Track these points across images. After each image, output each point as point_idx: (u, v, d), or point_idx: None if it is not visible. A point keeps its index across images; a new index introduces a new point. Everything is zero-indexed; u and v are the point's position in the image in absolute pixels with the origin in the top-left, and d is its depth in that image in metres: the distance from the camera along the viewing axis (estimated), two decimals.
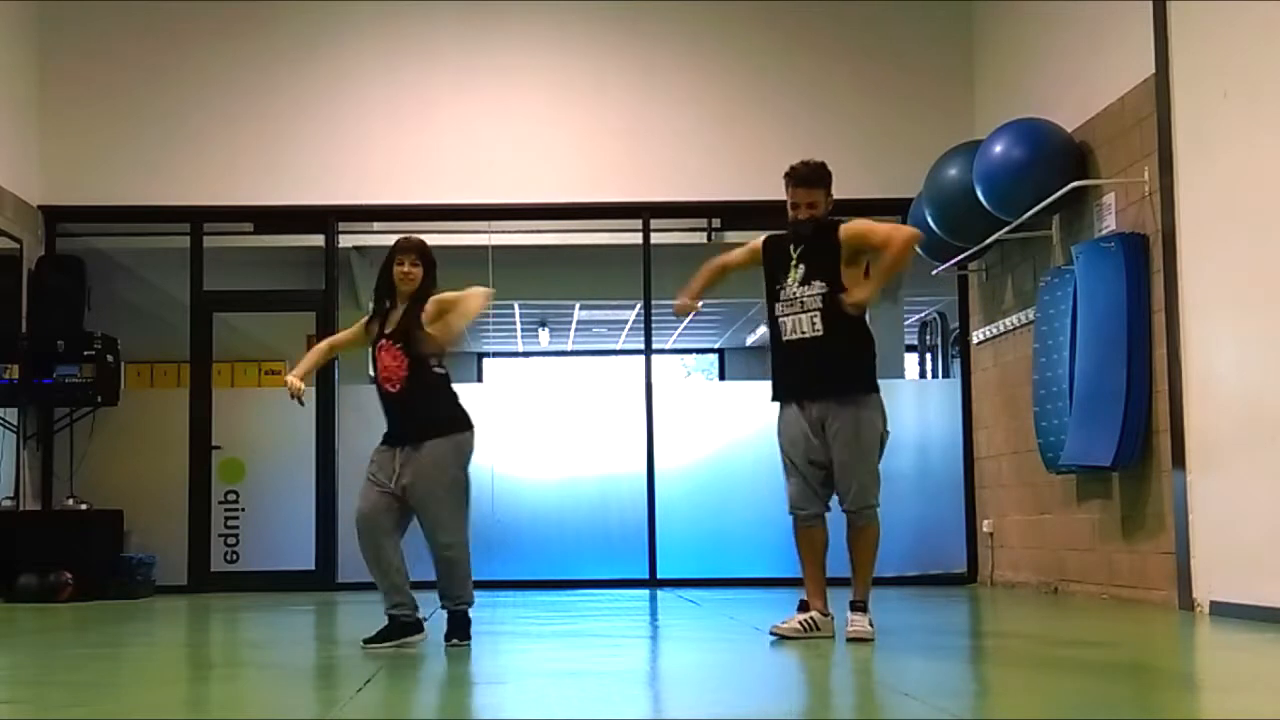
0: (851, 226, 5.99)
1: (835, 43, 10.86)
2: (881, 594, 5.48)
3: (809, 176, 6.02)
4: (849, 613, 5.82)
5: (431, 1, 10.83)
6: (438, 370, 5.88)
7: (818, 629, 5.84)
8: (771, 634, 5.86)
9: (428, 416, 5.79)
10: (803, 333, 5.92)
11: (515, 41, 10.82)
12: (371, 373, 5.97)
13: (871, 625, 5.76)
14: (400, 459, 5.74)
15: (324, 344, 6.35)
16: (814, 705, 4.40)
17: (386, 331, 5.84)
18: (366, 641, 5.70)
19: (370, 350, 5.96)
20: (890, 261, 5.84)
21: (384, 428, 5.87)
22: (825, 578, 5.99)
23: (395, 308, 5.89)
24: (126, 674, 5.45)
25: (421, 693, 4.70)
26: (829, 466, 5.92)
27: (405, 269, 5.88)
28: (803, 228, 5.97)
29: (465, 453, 5.87)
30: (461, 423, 5.89)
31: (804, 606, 5.95)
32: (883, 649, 5.35)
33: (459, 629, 5.83)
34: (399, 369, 5.78)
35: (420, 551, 5.89)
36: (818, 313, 5.89)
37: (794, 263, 5.97)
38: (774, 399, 6.11)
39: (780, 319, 5.99)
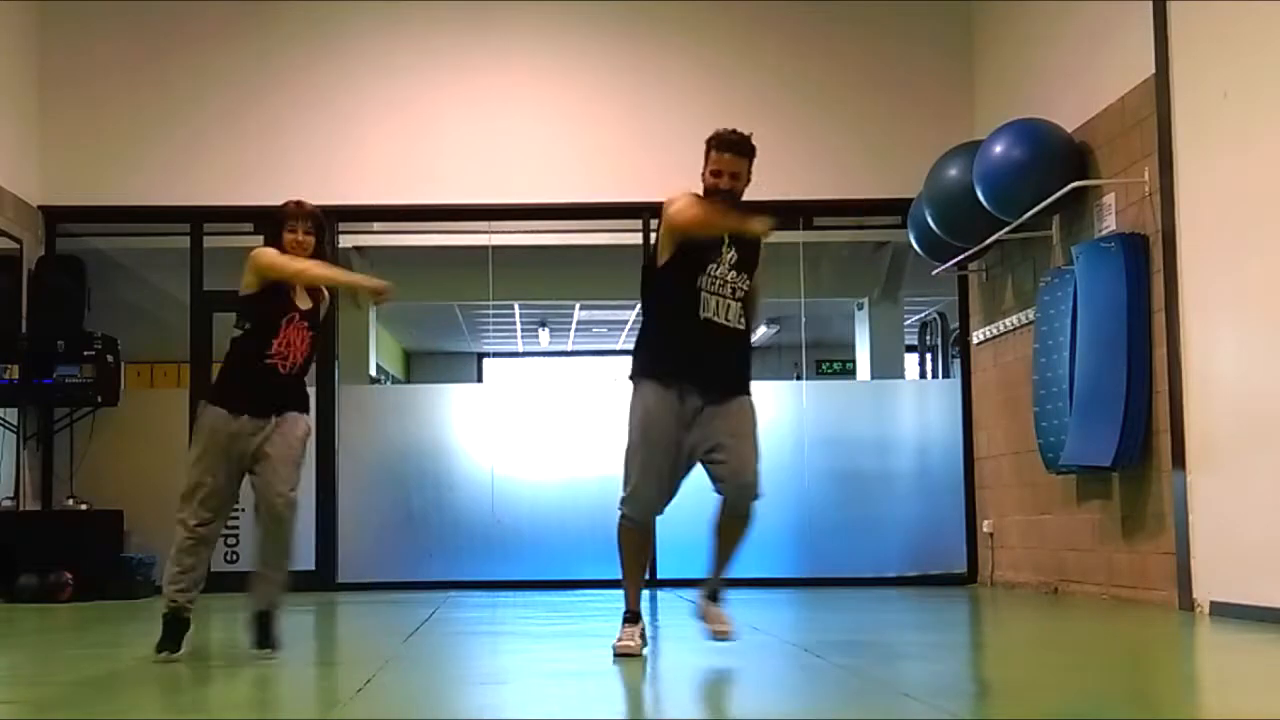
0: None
1: (835, 43, 10.86)
2: (882, 594, 5.48)
3: (741, 144, 5.45)
4: (711, 604, 5.48)
5: (431, 1, 10.83)
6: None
7: (644, 641, 5.44)
8: (619, 655, 5.31)
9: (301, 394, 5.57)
10: (726, 320, 5.38)
11: (515, 42, 10.82)
12: (251, 342, 5.49)
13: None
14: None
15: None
16: (814, 705, 4.40)
17: (300, 307, 5.48)
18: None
19: (274, 301, 5.49)
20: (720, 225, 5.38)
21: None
22: None
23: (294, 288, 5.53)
24: (126, 674, 5.45)
25: (421, 693, 4.70)
26: (687, 458, 5.38)
27: (299, 237, 5.53)
28: (729, 200, 5.42)
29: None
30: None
31: (636, 617, 5.48)
32: (883, 649, 5.35)
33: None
34: (302, 349, 5.46)
35: None
36: (741, 305, 5.42)
37: (726, 245, 5.42)
38: (647, 375, 5.43)
39: (703, 293, 5.35)
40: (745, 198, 5.55)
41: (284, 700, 4.61)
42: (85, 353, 9.93)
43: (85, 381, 9.92)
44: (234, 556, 10.48)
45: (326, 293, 5.69)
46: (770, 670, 5.27)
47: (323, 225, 5.63)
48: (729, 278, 5.39)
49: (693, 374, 5.35)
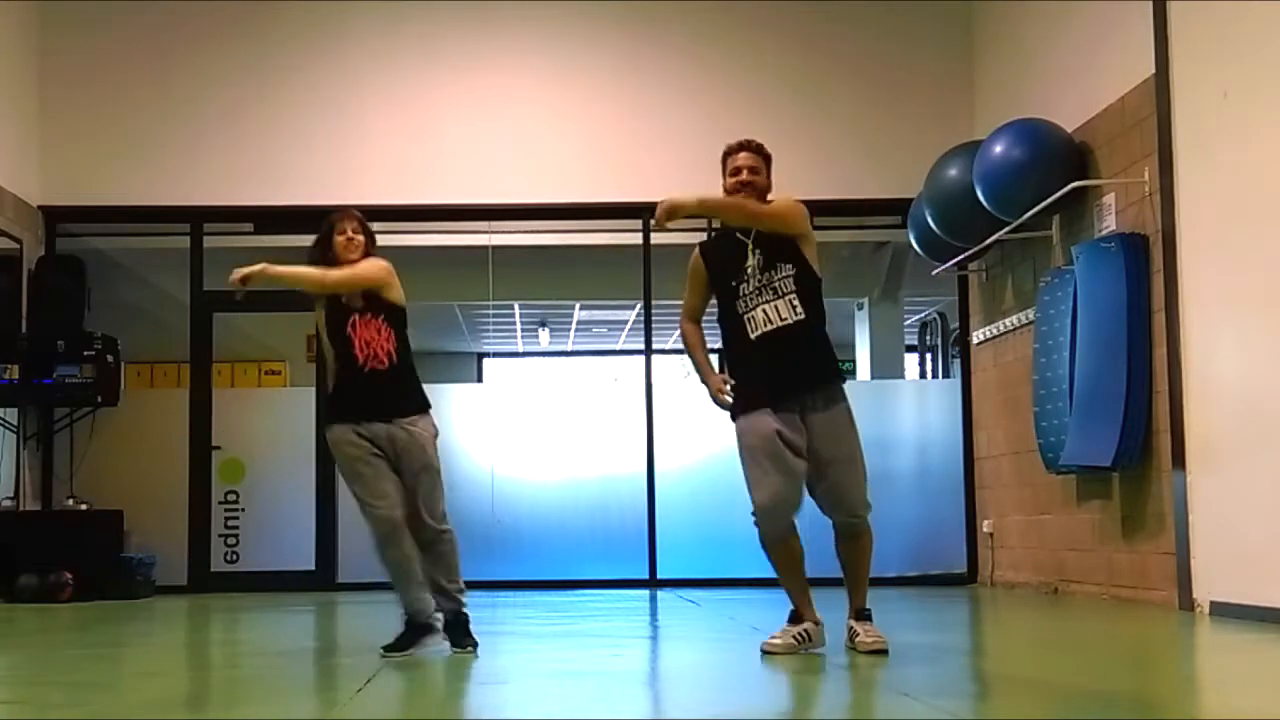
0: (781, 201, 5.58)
1: (835, 43, 10.86)
2: (882, 594, 5.47)
3: (752, 143, 5.52)
4: (855, 624, 5.46)
5: (432, 1, 10.83)
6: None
7: (811, 641, 5.47)
8: (764, 651, 5.42)
9: (414, 391, 5.56)
10: (781, 320, 5.33)
11: (515, 42, 10.82)
12: (331, 353, 5.54)
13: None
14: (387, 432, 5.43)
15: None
16: (814, 705, 4.40)
17: (355, 306, 5.50)
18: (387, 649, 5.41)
19: (330, 330, 5.54)
20: (749, 215, 5.42)
21: None
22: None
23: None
24: (126, 674, 5.45)
25: (422, 693, 4.70)
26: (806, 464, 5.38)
27: (348, 236, 5.57)
28: (750, 193, 5.43)
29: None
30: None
31: (795, 617, 5.54)
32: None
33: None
34: (385, 342, 5.49)
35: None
36: (795, 295, 5.35)
37: (751, 248, 5.40)
38: (740, 410, 5.42)
39: (747, 315, 5.35)
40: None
41: (283, 700, 4.61)
42: (85, 353, 9.93)
43: (85, 381, 9.93)
44: (234, 557, 10.50)
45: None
46: (770, 670, 5.27)
47: (369, 227, 5.73)
48: (764, 280, 5.37)
49: (774, 391, 5.34)
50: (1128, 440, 7.59)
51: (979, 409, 10.46)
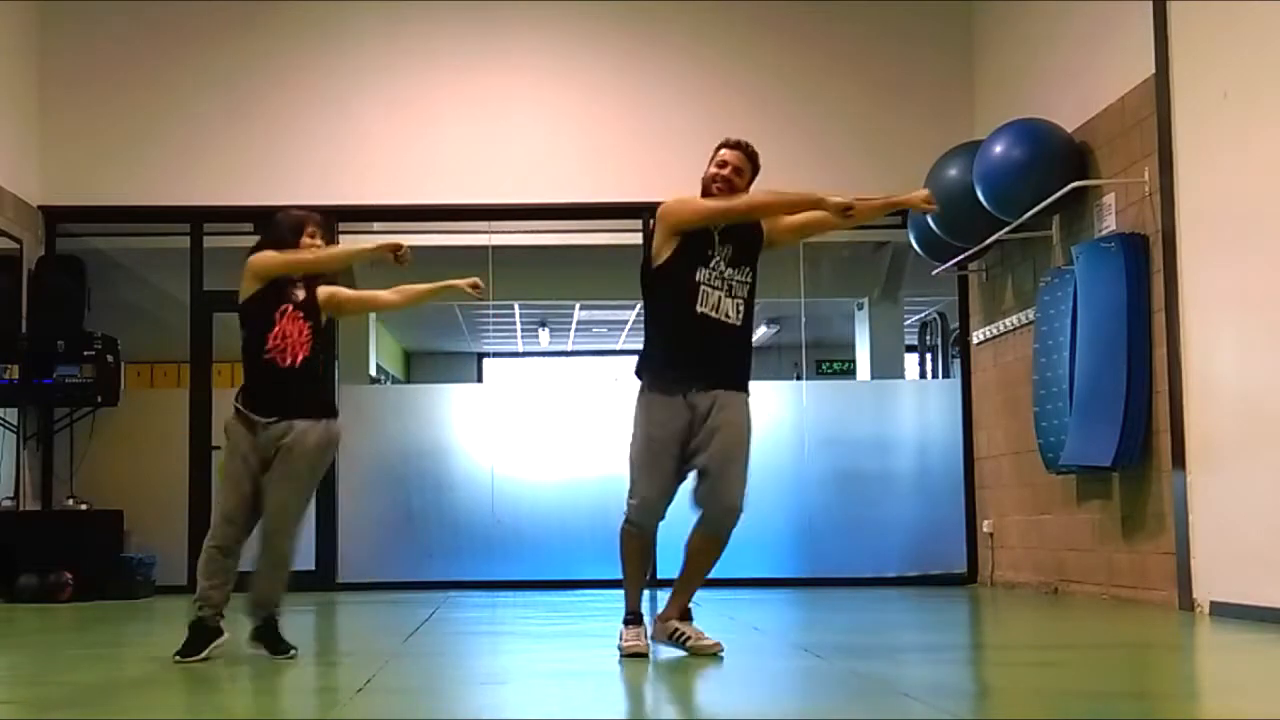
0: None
1: (835, 42, 10.86)
2: (882, 594, 5.48)
3: (745, 145, 5.56)
4: (682, 625, 5.38)
5: (432, 1, 10.83)
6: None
7: (649, 640, 5.38)
8: (628, 655, 5.26)
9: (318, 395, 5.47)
10: (726, 316, 5.37)
11: (515, 42, 10.82)
12: (250, 342, 5.40)
13: None
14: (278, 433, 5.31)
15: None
16: (814, 705, 4.40)
17: (295, 299, 5.43)
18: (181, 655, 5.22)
19: (270, 297, 5.42)
20: (817, 219, 5.51)
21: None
22: None
23: (294, 282, 5.51)
24: (126, 675, 5.45)
25: (421, 693, 4.70)
26: (688, 463, 5.36)
27: (317, 241, 5.58)
28: (720, 191, 5.46)
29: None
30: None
31: (639, 619, 5.42)
32: (883, 649, 5.35)
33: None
34: (301, 345, 5.38)
35: None
36: (743, 302, 5.41)
37: (717, 240, 5.44)
38: (654, 389, 5.40)
39: (702, 286, 5.36)
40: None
41: (284, 700, 4.61)
42: (85, 353, 9.93)
43: (85, 381, 9.92)
44: None
45: (326, 288, 5.59)
46: (770, 670, 5.27)
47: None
48: (726, 274, 5.40)
49: (694, 374, 5.34)
50: (1128, 440, 7.59)
51: (979, 409, 10.46)
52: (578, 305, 17.14)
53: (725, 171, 5.48)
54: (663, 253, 5.48)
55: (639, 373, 5.52)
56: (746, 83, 10.76)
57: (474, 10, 10.81)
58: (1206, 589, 7.05)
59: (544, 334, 19.20)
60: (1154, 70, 7.55)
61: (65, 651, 6.18)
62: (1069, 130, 8.57)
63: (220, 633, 5.34)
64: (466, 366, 20.83)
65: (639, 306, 11.92)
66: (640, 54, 10.85)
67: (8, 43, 10.11)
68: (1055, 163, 8.40)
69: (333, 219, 10.67)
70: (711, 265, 5.39)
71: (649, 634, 5.39)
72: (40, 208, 10.41)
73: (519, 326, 18.65)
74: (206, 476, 10.47)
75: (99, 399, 10.01)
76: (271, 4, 10.76)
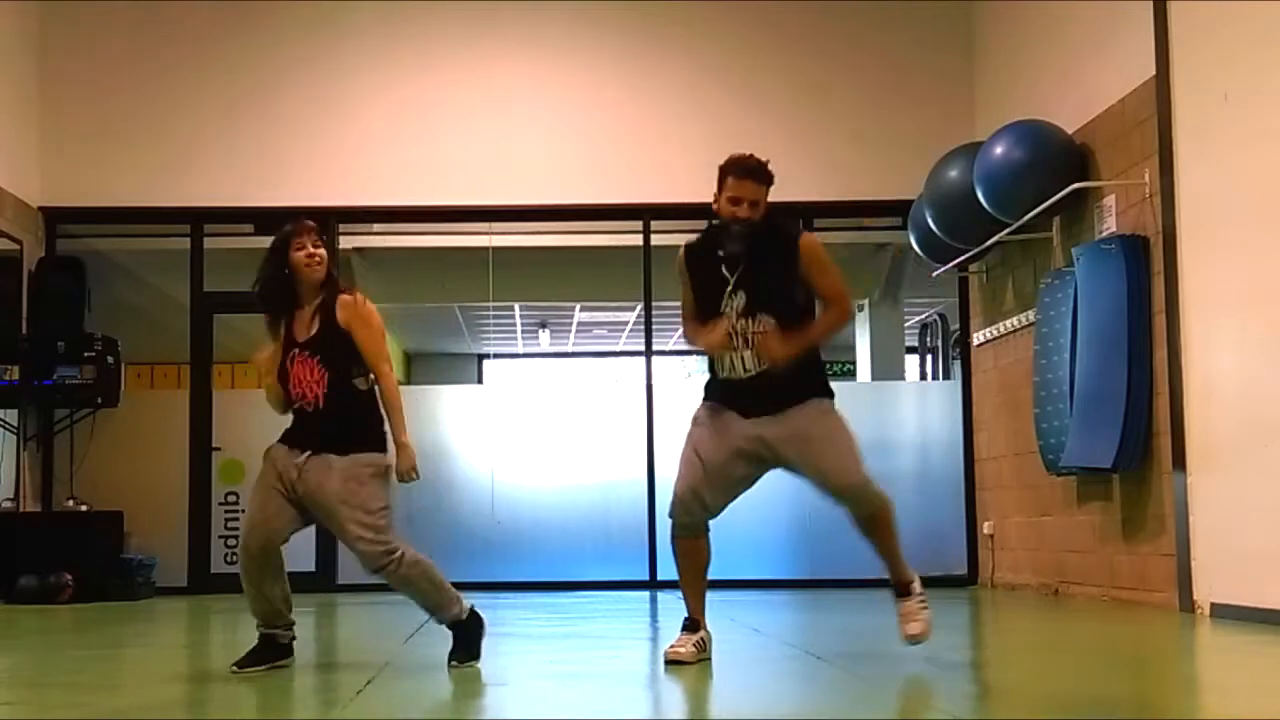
0: (813, 246, 5.12)
1: (836, 44, 10.86)
2: (882, 595, 5.46)
3: (760, 171, 5.07)
4: (902, 600, 5.23)
5: (432, 2, 10.83)
6: (360, 385, 5.07)
7: (707, 650, 5.21)
8: (670, 661, 5.08)
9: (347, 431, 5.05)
10: (746, 371, 5.06)
11: (516, 43, 10.82)
12: (278, 388, 5.07)
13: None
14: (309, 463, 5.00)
15: (268, 385, 5.11)
16: (814, 706, 4.40)
17: (299, 340, 5.01)
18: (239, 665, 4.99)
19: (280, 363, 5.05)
20: (829, 327, 5.11)
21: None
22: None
23: (300, 305, 5.07)
24: (127, 675, 5.45)
25: (422, 694, 4.70)
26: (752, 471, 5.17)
27: (309, 251, 5.02)
28: (738, 235, 5.03)
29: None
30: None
31: (694, 625, 5.22)
32: (882, 651, 5.34)
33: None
34: (316, 384, 5.00)
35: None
36: (755, 344, 5.04)
37: (730, 289, 5.07)
38: (713, 400, 5.20)
39: (725, 353, 5.07)
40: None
41: (284, 701, 4.61)
42: (85, 354, 9.93)
43: (85, 383, 9.93)
44: (234, 558, 10.46)
45: (335, 307, 5.05)
46: (771, 671, 5.27)
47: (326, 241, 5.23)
48: (738, 326, 5.05)
49: (742, 409, 5.10)
50: (1128, 442, 7.58)
51: (979, 410, 10.46)
52: (578, 307, 17.14)
53: (741, 210, 5.04)
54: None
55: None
56: (747, 84, 10.76)
57: (474, 11, 10.82)
58: (1207, 590, 7.05)
59: (544, 335, 19.19)
60: (1154, 72, 7.55)
61: (65, 653, 6.18)
62: (1069, 132, 8.57)
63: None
64: (467, 368, 20.81)
65: (639, 308, 11.96)
66: (641, 54, 10.85)
67: (8, 43, 10.11)
68: (1056, 164, 8.39)
69: (333, 220, 10.73)
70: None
71: (705, 643, 5.19)
72: (40, 208, 10.42)
73: (519, 328, 18.64)
74: (207, 478, 10.47)
75: (99, 400, 10.01)
76: (271, 4, 10.76)
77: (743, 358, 5.06)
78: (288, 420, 5.14)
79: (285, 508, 5.05)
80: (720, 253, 5.10)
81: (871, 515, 5.18)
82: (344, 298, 5.09)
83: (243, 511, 10.36)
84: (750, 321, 5.03)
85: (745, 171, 5.06)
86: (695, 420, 5.22)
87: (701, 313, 5.16)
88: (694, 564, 5.28)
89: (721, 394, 5.17)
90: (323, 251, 5.10)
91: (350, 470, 4.97)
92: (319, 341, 5.01)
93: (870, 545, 5.28)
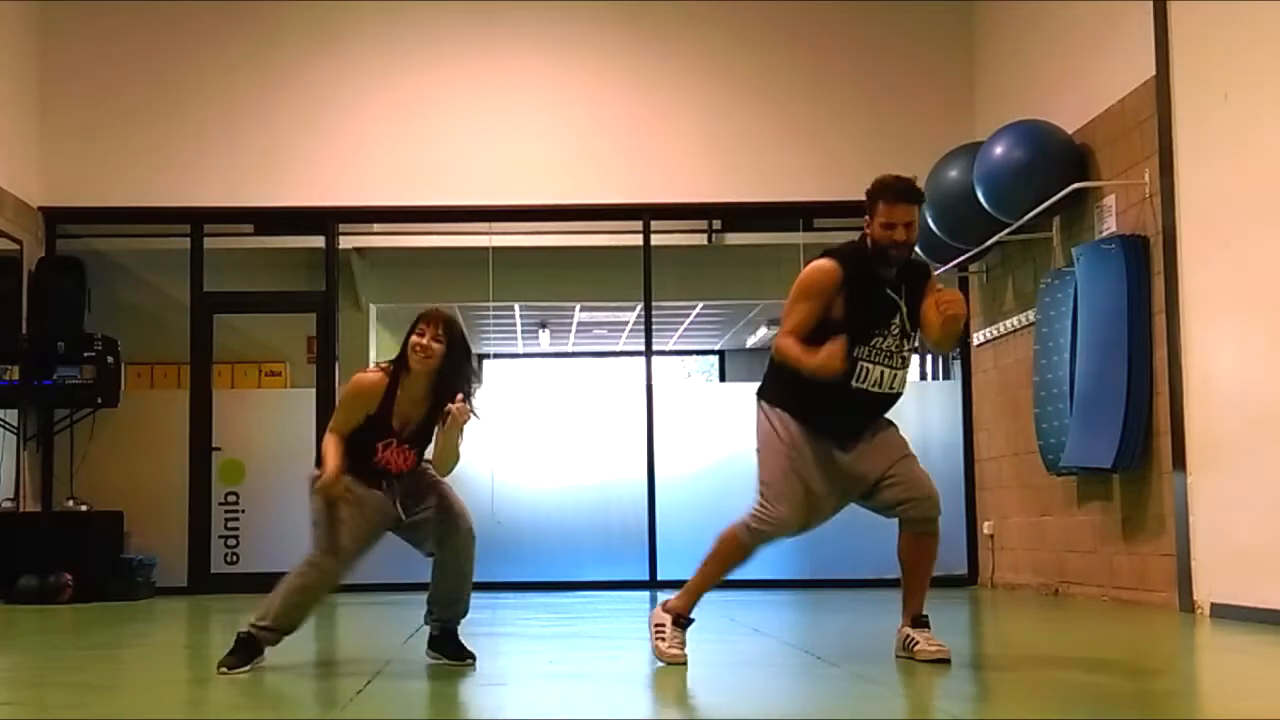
0: (936, 283, 5.18)
1: (836, 43, 10.86)
2: (882, 595, 5.46)
3: (912, 192, 4.97)
4: (914, 631, 5.16)
5: (432, 2, 10.83)
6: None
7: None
8: (669, 662, 5.09)
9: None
10: (892, 390, 5.04)
11: (516, 43, 10.82)
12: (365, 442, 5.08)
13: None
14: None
15: (335, 438, 5.10)
16: (814, 706, 4.39)
17: (396, 427, 5.04)
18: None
19: (370, 430, 5.07)
20: (954, 336, 5.11)
21: None
22: None
23: (405, 384, 5.05)
24: (127, 675, 5.45)
25: (422, 694, 4.70)
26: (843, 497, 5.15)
27: (425, 341, 4.98)
28: (899, 256, 4.97)
29: None
30: None
31: (689, 622, 5.24)
32: (882, 651, 5.34)
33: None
34: (404, 465, 5.15)
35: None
36: (904, 366, 5.06)
37: (903, 310, 5.01)
38: (789, 410, 5.08)
39: (862, 363, 4.95)
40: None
41: (284, 702, 4.61)
42: (85, 354, 9.93)
43: (85, 382, 9.93)
44: (234, 558, 10.49)
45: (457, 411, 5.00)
46: (771, 672, 5.27)
47: (460, 337, 5.07)
48: (897, 346, 5.02)
49: (842, 436, 5.05)
50: (1128, 442, 7.58)
51: (979, 410, 10.46)
52: (578, 307, 17.13)
53: (897, 234, 4.94)
54: (797, 321, 5.07)
55: (769, 389, 5.22)
56: (746, 84, 10.76)
57: (475, 11, 10.82)
58: (1207, 591, 7.05)
59: (544, 335, 19.18)
60: (1154, 72, 7.55)
61: (65, 653, 6.18)
62: (1069, 132, 8.57)
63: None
64: None
65: (639, 308, 11.96)
66: (641, 54, 10.85)
67: (8, 43, 10.11)
68: (1056, 164, 8.40)
69: (333, 220, 10.74)
70: (878, 345, 5.04)
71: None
72: (40, 209, 10.42)
73: (519, 328, 18.63)
74: (207, 478, 10.47)
75: (99, 400, 10.01)
76: (272, 4, 10.76)
77: (896, 376, 5.02)
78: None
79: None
80: (883, 277, 4.98)
81: (935, 533, 5.26)
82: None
83: (242, 512, 10.50)
84: (906, 342, 5.04)
85: (899, 195, 4.96)
86: (793, 443, 5.04)
87: (853, 324, 4.93)
88: (735, 569, 5.23)
89: (832, 411, 5.01)
90: (439, 347, 5.01)
91: None
92: (419, 435, 5.17)
93: (913, 569, 5.27)
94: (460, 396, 5.01)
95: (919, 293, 5.06)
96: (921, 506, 5.15)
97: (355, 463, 5.06)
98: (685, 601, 5.23)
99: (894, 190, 4.95)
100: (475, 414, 5.06)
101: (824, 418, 5.03)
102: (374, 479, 5.13)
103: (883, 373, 5.00)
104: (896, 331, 5.01)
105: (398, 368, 5.06)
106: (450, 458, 5.10)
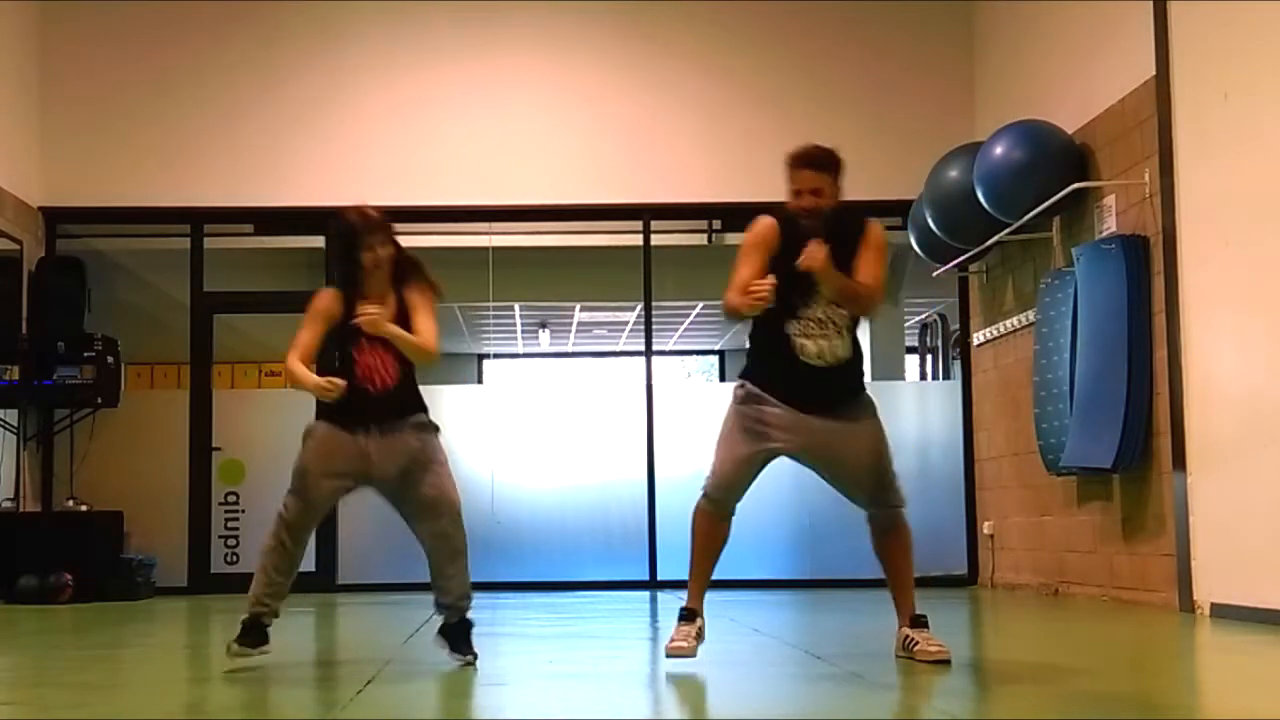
0: (881, 233, 5.14)
1: (835, 43, 10.87)
2: (882, 595, 5.47)
3: (815, 157, 5.00)
4: (913, 632, 5.10)
5: (431, 2, 10.83)
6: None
7: (702, 640, 5.11)
8: (673, 655, 5.01)
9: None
10: (837, 359, 5.01)
11: (515, 42, 10.83)
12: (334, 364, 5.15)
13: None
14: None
15: (297, 361, 5.17)
16: (814, 706, 4.39)
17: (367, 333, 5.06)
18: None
19: (338, 341, 5.15)
20: (856, 295, 5.01)
21: None
22: None
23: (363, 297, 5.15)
24: (126, 675, 5.45)
25: (422, 694, 4.70)
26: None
27: (376, 254, 5.23)
28: (809, 223, 4.95)
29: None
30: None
31: (693, 615, 5.12)
32: (882, 651, 5.34)
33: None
34: (387, 373, 5.16)
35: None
36: (846, 330, 5.04)
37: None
38: (757, 390, 5.06)
39: (798, 339, 4.98)
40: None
41: (283, 702, 4.61)
42: (85, 354, 9.93)
43: (85, 382, 9.93)
44: (234, 558, 10.49)
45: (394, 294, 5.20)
46: (771, 672, 5.26)
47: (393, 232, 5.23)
48: (826, 314, 5.00)
49: (804, 405, 5.01)
50: (1128, 442, 7.58)
51: (979, 410, 10.46)
52: (578, 307, 17.13)
53: (803, 200, 5.01)
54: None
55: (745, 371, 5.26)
56: (746, 84, 10.76)
57: (474, 11, 10.82)
58: (1207, 591, 7.05)
59: (544, 335, 19.18)
60: (1154, 71, 7.55)
61: (65, 653, 6.18)
62: (1069, 132, 8.57)
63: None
64: (466, 368, 20.80)
65: (639, 308, 11.98)
66: (641, 54, 10.85)
67: (8, 43, 10.11)
68: (1056, 164, 8.40)
69: (333, 220, 10.71)
70: (806, 315, 5.05)
71: (700, 634, 5.09)
72: (40, 209, 10.42)
73: (519, 328, 18.63)
74: (207, 478, 10.47)
75: (99, 400, 10.01)
76: (271, 4, 10.76)
77: (834, 347, 5.00)
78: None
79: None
80: (804, 235, 4.94)
81: (901, 527, 5.15)
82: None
83: (242, 512, 10.50)
84: (838, 306, 5.00)
85: (800, 161, 5.03)
86: (737, 408, 5.11)
87: (778, 304, 4.89)
88: (714, 546, 5.20)
89: (785, 384, 5.01)
90: (390, 252, 5.37)
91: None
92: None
93: (888, 564, 5.24)
94: (368, 308, 5.07)
95: (852, 250, 5.02)
96: (882, 503, 5.11)
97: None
98: (689, 594, 5.23)
99: (796, 157, 5.03)
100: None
101: (778, 385, 5.01)
102: (355, 418, 5.10)
103: (820, 345, 4.99)
104: (823, 300, 4.98)
105: (348, 276, 5.23)
106: (411, 353, 5.12)
